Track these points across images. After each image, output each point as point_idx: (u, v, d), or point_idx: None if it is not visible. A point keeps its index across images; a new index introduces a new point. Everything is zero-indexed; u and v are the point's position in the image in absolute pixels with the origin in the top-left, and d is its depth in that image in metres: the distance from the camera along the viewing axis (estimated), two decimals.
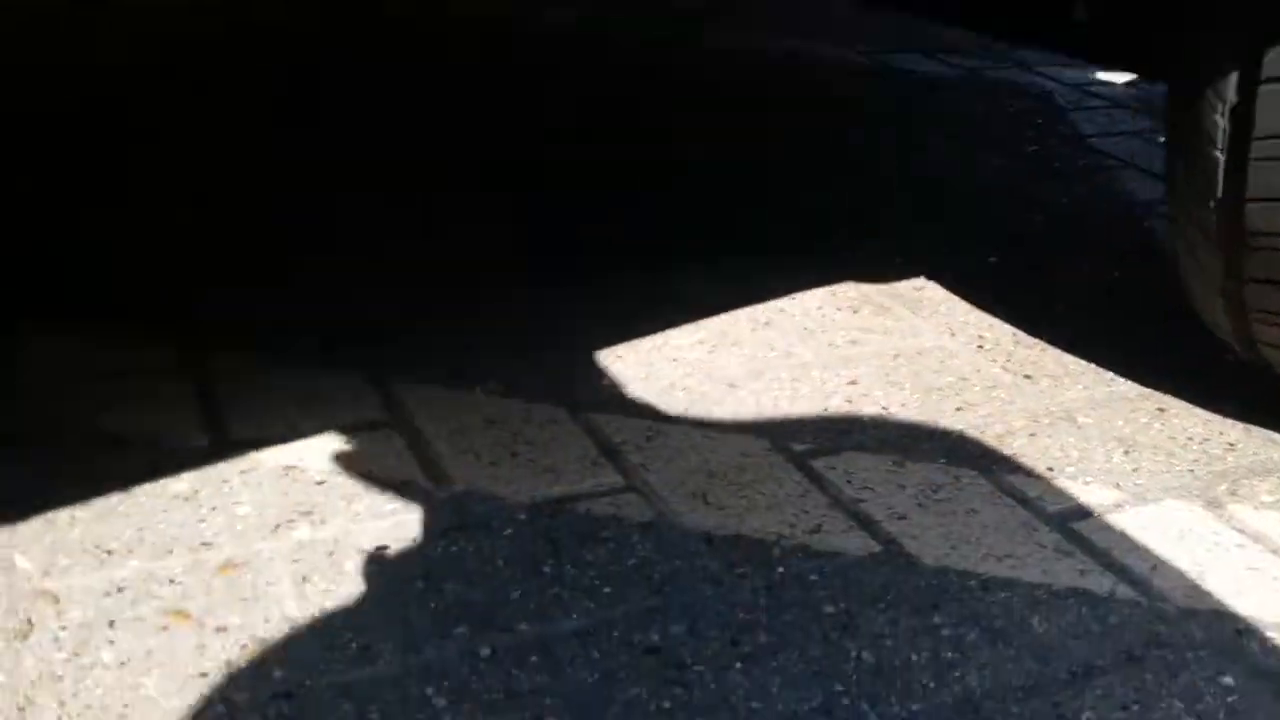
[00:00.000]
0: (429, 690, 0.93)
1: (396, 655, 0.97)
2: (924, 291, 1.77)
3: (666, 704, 0.93)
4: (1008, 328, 1.66)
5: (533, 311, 1.63)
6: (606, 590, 1.07)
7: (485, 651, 0.98)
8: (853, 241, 1.93)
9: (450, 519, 1.16)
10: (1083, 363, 1.56)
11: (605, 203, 2.04)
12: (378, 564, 1.08)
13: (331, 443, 1.28)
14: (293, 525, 1.13)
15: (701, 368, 1.51)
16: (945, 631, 1.03)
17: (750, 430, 1.36)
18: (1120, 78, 3.15)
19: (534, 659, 0.97)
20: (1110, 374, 1.54)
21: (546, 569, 1.09)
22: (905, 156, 2.39)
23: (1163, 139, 2.79)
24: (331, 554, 1.09)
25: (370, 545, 1.11)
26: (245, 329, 1.53)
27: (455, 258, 1.80)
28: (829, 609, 1.06)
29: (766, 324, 1.64)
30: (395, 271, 1.74)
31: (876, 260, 1.86)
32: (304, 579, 1.06)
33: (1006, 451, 1.34)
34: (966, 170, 2.33)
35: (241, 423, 1.31)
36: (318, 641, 0.98)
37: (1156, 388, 1.50)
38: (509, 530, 1.15)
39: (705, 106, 2.67)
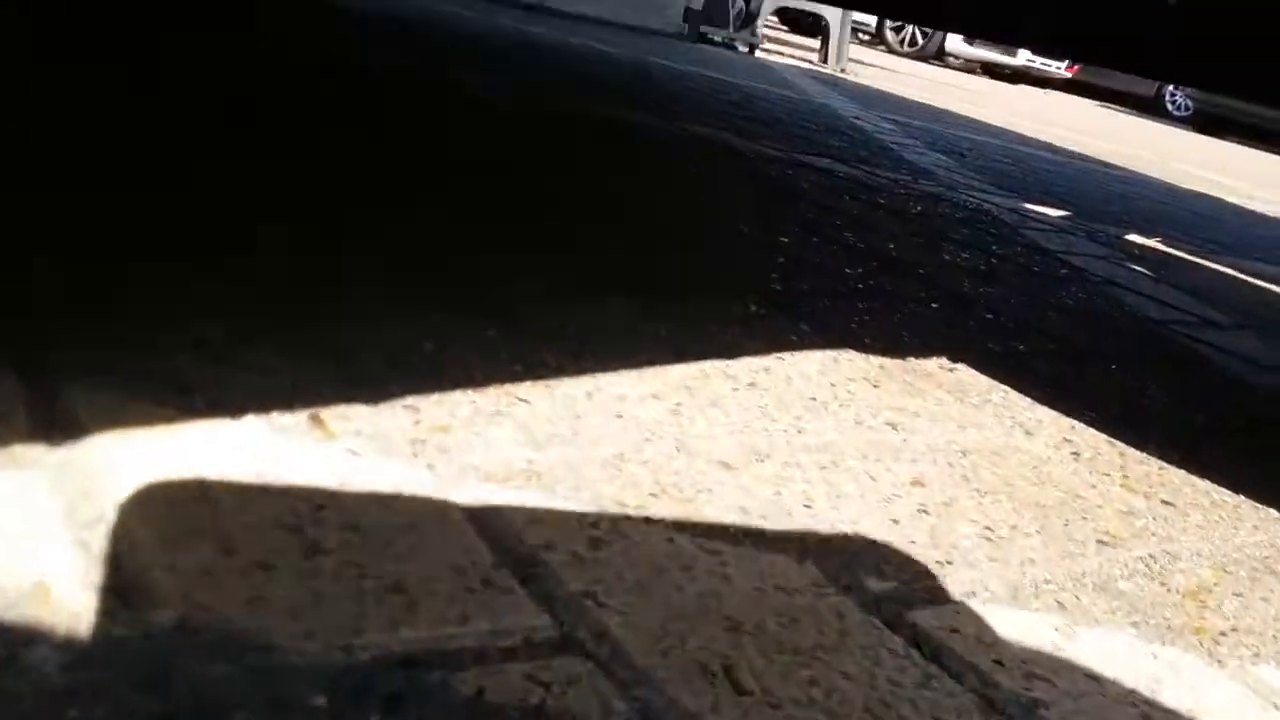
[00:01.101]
0: None
1: None
2: (958, 374, 1.21)
3: None
4: (1096, 433, 1.11)
5: (379, 323, 0.95)
6: None
7: None
8: (840, 305, 1.37)
9: (133, 672, 0.45)
10: (1222, 490, 1.03)
11: (512, 216, 1.41)
12: None
13: None
14: None
15: (666, 434, 0.87)
16: None
17: (780, 546, 0.72)
18: (1053, 211, 2.85)
19: None
20: (1269, 509, 1.01)
21: None
22: (860, 235, 1.89)
23: (1130, 263, 2.46)
24: None
25: None
26: None
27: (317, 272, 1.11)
28: None
29: (751, 384, 1.03)
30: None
31: (879, 331, 1.30)
32: None
33: (1219, 621, 0.75)
34: (937, 257, 1.85)
35: None
36: None
37: None
38: None
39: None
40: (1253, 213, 4.34)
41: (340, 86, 2.08)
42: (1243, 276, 2.50)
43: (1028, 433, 1.07)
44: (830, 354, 1.18)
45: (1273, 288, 2.45)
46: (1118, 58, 1.58)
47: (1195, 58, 1.21)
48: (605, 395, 0.91)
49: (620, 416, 0.88)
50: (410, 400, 0.81)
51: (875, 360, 1.19)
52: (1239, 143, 11.75)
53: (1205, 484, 1.03)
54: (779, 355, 1.13)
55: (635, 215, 1.60)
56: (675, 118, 2.78)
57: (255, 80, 1.91)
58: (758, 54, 6.28)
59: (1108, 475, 1.00)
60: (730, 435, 0.89)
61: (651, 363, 1.02)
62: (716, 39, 6.05)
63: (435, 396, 0.82)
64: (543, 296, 1.12)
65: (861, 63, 8.15)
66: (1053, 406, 1.16)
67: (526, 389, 0.88)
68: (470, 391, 0.85)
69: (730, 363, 1.08)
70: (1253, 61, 1.15)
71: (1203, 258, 2.63)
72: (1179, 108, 12.26)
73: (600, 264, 1.29)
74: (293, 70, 2.10)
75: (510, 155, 1.85)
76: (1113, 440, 1.10)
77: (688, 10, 5.75)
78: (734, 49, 6.09)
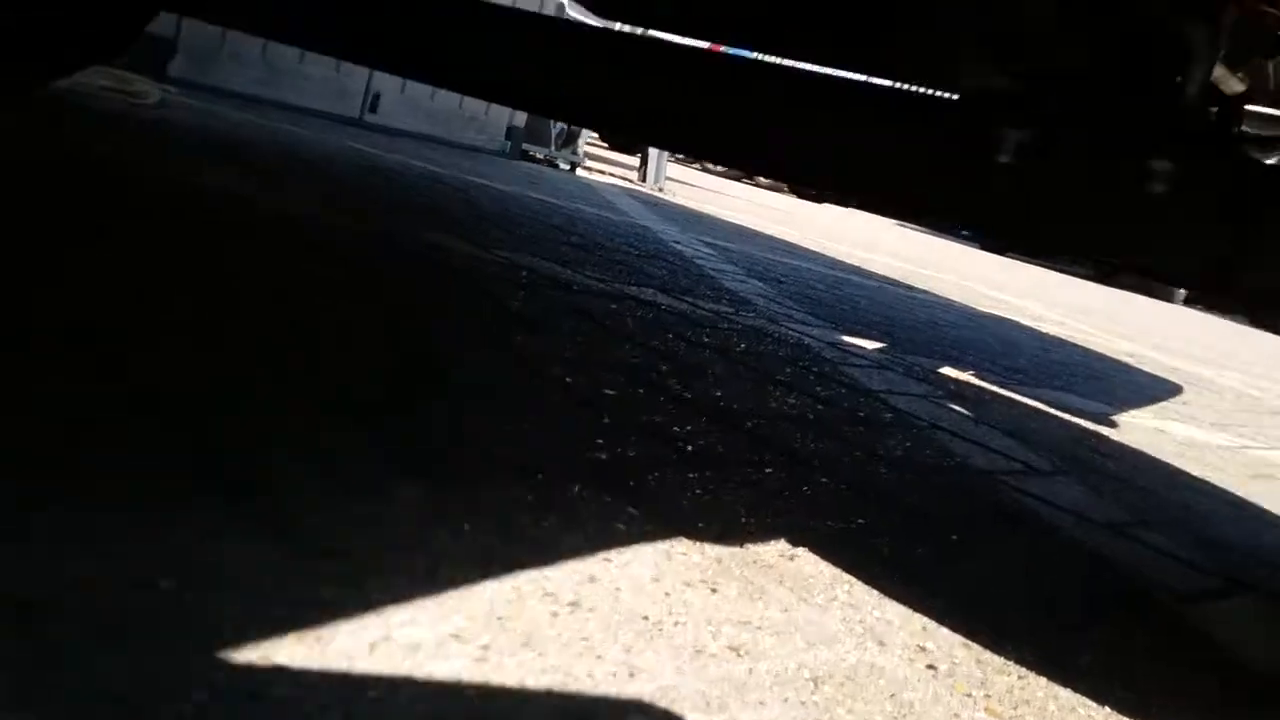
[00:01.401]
0: None
1: None
2: (799, 563, 1.10)
3: None
4: (949, 632, 1.02)
5: (101, 543, 0.74)
6: None
7: None
8: (670, 477, 1.25)
9: None
10: (1087, 702, 0.95)
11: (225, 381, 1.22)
12: None
13: None
14: None
15: (466, 699, 0.70)
16: None
17: None
18: (870, 344, 2.89)
19: None
20: None
21: None
22: (687, 382, 1.80)
23: (949, 402, 2.48)
24: None
25: None
26: None
27: None
28: None
29: (573, 604, 0.87)
30: None
31: (713, 511, 1.18)
32: None
33: None
34: (765, 405, 1.78)
35: None
36: None
37: None
38: None
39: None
40: (1045, 335, 4.62)
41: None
42: (1051, 411, 2.58)
43: (880, 643, 0.96)
44: (663, 547, 1.04)
45: (1079, 422, 2.53)
46: (941, 216, 1.59)
47: (1027, 220, 1.19)
48: (393, 645, 0.74)
49: (411, 679, 0.70)
50: (120, 687, 0.61)
51: (711, 552, 1.07)
52: (1018, 259, 12.79)
53: (1067, 694, 0.95)
54: (606, 555, 0.99)
55: (438, 369, 1.44)
56: (497, 244, 2.66)
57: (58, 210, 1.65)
58: (579, 172, 6.33)
59: (970, 696, 0.90)
60: (548, 694, 0.73)
61: (453, 583, 0.85)
62: (539, 156, 6.06)
63: (159, 681, 0.63)
64: (319, 488, 0.94)
65: (678, 181, 8.39)
66: (901, 600, 1.07)
67: (290, 648, 0.70)
68: (212, 660, 0.66)
69: (549, 572, 0.92)
70: (1087, 225, 1.14)
71: (1013, 390, 2.71)
72: None
73: (391, 437, 1.12)
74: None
75: (291, 283, 1.66)
76: (968, 642, 1.01)
77: (510, 128, 5.73)
78: (556, 167, 6.11)
